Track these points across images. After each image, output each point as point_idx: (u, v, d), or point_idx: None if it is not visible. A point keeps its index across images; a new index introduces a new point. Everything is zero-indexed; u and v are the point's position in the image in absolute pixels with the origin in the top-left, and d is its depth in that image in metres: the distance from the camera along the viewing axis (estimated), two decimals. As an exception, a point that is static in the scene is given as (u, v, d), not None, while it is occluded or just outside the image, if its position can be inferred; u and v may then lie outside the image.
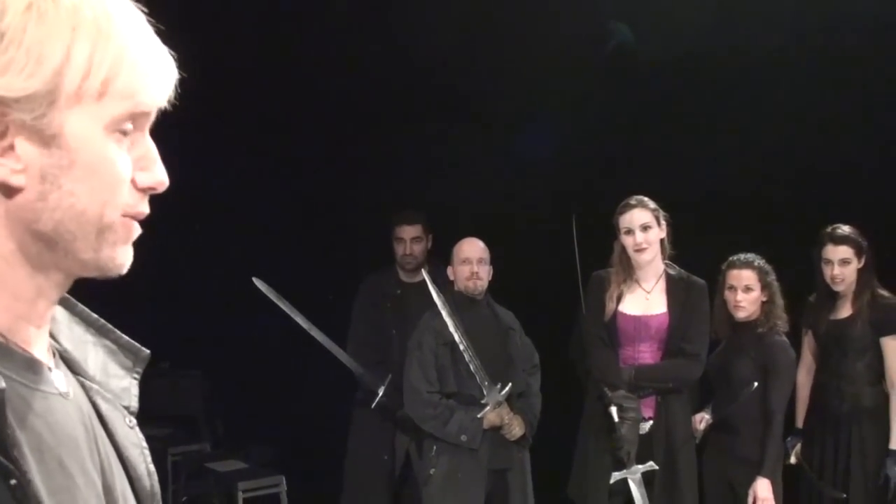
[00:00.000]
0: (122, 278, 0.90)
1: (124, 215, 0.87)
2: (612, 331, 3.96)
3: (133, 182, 0.87)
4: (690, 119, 4.97)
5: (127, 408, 0.99)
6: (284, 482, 5.22)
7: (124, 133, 0.85)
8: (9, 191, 0.81)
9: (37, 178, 0.81)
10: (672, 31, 4.72)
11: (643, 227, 3.88)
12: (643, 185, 4.11)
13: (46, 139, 0.81)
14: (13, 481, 0.77)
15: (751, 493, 3.88)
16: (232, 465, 5.50)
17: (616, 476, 3.83)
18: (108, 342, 1.01)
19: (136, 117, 0.86)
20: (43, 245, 0.84)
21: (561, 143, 5.21)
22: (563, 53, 5.05)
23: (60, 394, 0.87)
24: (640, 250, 3.89)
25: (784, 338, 4.03)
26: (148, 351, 1.03)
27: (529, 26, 5.03)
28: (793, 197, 4.89)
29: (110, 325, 1.01)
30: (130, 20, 0.85)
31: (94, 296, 1.01)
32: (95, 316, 1.00)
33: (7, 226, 0.83)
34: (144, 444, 0.99)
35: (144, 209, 0.89)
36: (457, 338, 4.09)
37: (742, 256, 4.09)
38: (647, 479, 3.88)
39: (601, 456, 3.91)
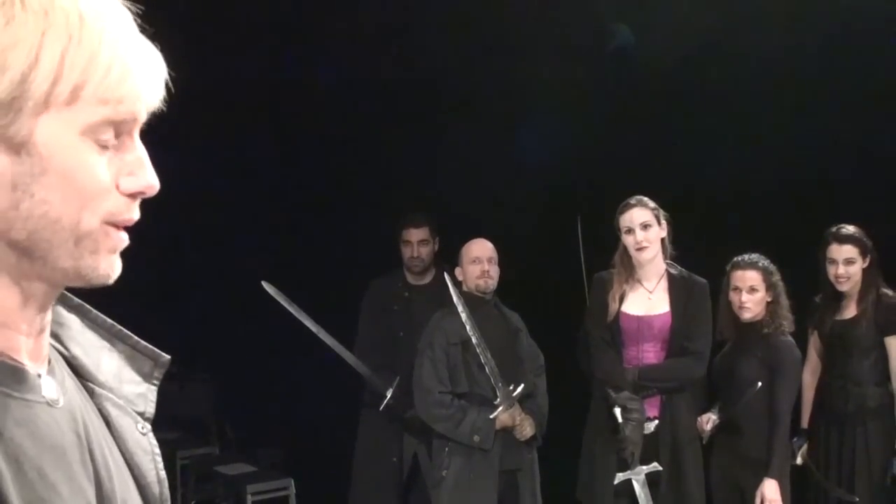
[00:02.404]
0: (132, 282, 0.90)
1: (106, 222, 0.84)
2: (616, 331, 3.98)
3: (118, 187, 0.84)
4: (693, 120, 4.97)
5: (141, 413, 0.98)
6: (293, 485, 5.24)
7: (105, 139, 0.82)
8: None
9: (8, 186, 0.79)
10: (673, 32, 4.73)
11: (643, 226, 3.91)
12: (646, 185, 4.12)
13: (16, 147, 0.78)
14: None
15: (758, 494, 3.86)
16: (240, 469, 5.51)
17: (620, 477, 3.85)
18: (124, 347, 0.99)
19: (117, 122, 0.83)
20: (20, 254, 0.81)
21: (564, 145, 5.22)
22: (566, 55, 5.06)
23: (48, 402, 0.84)
24: (640, 249, 3.91)
25: (790, 338, 4.02)
26: (168, 356, 1.02)
27: (531, 28, 5.04)
28: (797, 197, 4.89)
29: (127, 331, 1.00)
30: (107, 22, 0.81)
31: (101, 301, 1.00)
32: (111, 322, 0.99)
33: None
34: (157, 450, 0.98)
35: (132, 215, 0.86)
36: (475, 338, 4.09)
37: (746, 257, 4.08)
38: (654, 479, 3.89)
39: (606, 457, 3.93)
